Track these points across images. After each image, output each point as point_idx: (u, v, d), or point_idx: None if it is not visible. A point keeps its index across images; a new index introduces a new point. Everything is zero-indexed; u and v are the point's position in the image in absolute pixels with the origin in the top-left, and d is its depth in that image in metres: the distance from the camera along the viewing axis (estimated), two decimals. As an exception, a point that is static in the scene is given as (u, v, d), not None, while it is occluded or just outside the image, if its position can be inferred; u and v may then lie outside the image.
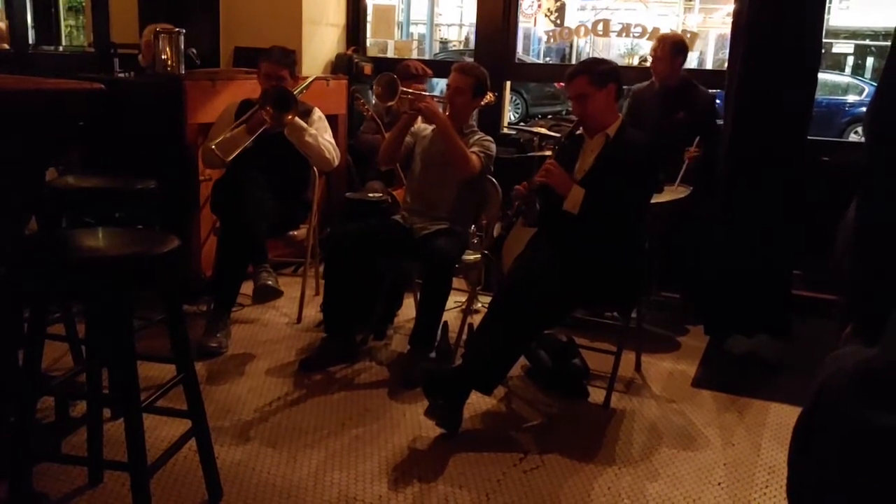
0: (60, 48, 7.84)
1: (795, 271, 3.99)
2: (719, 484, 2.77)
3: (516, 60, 5.85)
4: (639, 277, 3.37)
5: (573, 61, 12.72)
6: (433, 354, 3.59)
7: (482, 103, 3.89)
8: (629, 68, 6.36)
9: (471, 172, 3.57)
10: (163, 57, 4.25)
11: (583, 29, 5.82)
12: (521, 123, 9.17)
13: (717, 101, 4.58)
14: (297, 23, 5.32)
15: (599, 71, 3.26)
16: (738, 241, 3.84)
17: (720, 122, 4.25)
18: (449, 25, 20.53)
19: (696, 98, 4.47)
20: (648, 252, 3.45)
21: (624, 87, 3.48)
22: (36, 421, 2.45)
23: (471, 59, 5.10)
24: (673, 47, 4.42)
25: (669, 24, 15.89)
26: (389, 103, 3.81)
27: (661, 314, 4.37)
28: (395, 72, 4.75)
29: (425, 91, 4.76)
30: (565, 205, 3.18)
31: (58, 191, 3.24)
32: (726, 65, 4.29)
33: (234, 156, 3.76)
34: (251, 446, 2.85)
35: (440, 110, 3.66)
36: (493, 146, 3.73)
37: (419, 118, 3.76)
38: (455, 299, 4.12)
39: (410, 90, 3.89)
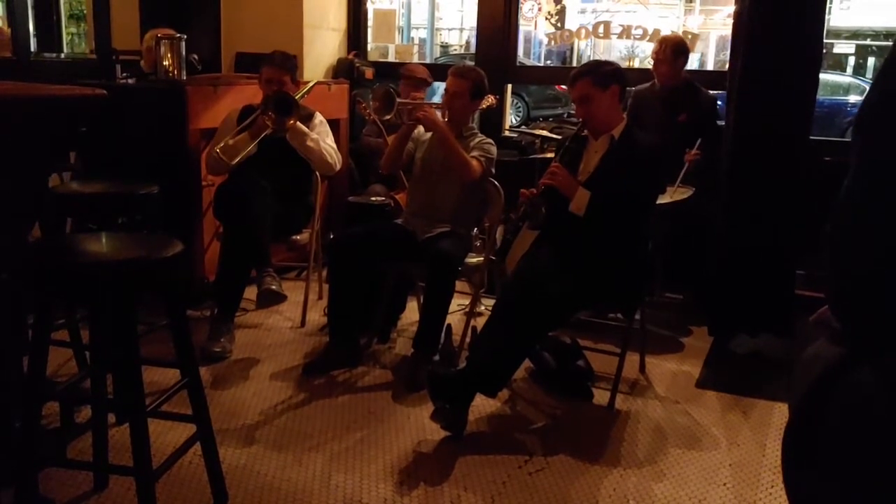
0: (62, 55, 7.85)
1: (798, 271, 3.98)
2: (725, 484, 2.77)
3: (517, 63, 5.85)
4: (642, 278, 3.37)
5: (574, 64, 12.72)
6: (437, 357, 3.59)
7: (483, 106, 3.89)
8: (629, 70, 6.37)
9: (472, 177, 3.58)
10: (164, 63, 4.26)
11: (583, 31, 5.81)
12: (523, 126, 9.16)
13: (719, 103, 4.58)
14: (297, 28, 5.33)
15: (603, 72, 3.25)
16: (740, 242, 3.84)
17: (721, 123, 4.25)
18: (450, 29, 20.57)
19: (697, 100, 4.48)
20: (651, 253, 3.45)
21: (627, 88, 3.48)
22: (41, 426, 2.46)
23: (472, 63, 5.10)
24: (674, 49, 4.43)
25: (670, 25, 15.89)
26: (387, 117, 3.81)
27: (664, 315, 4.37)
28: (402, 77, 4.79)
29: (424, 98, 4.78)
30: (571, 207, 3.17)
31: (61, 196, 3.24)
32: (727, 66, 4.29)
33: (237, 161, 3.77)
34: (256, 450, 2.86)
35: (439, 117, 3.66)
36: (494, 148, 3.73)
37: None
38: (458, 302, 4.12)
39: (408, 101, 3.89)
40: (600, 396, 3.39)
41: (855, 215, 1.16)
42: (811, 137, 3.88)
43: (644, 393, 3.50)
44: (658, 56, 4.48)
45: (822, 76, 4.03)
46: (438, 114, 3.71)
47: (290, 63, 4.06)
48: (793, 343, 3.93)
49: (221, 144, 3.80)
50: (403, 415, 3.19)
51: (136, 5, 5.56)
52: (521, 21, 5.62)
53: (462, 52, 16.93)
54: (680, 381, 3.64)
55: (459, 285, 3.86)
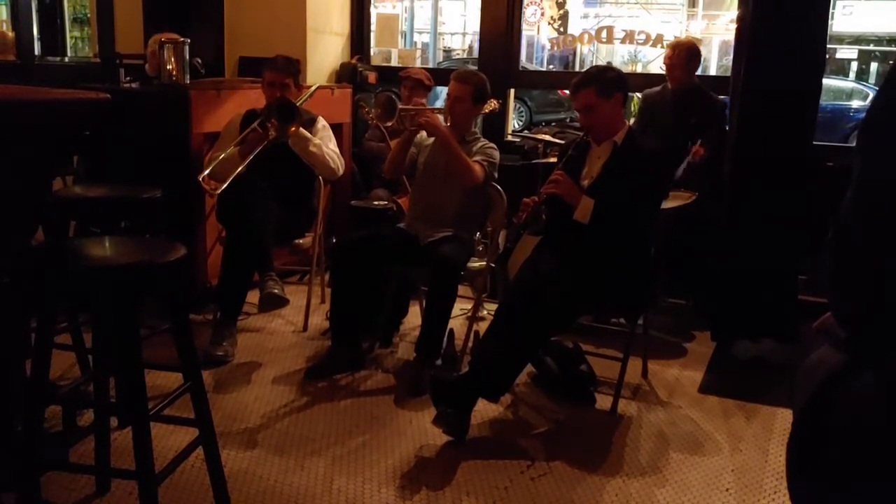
0: (66, 59, 7.88)
1: (801, 276, 3.98)
2: (727, 490, 2.76)
3: (520, 68, 5.86)
4: (645, 283, 3.37)
5: (577, 69, 12.73)
6: (439, 362, 3.59)
7: (486, 110, 3.89)
8: (632, 75, 6.37)
9: (474, 182, 3.58)
10: (168, 67, 4.27)
11: (586, 36, 5.83)
12: (526, 131, 9.17)
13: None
14: (301, 32, 5.34)
15: (606, 81, 3.24)
16: (743, 246, 3.84)
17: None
18: (452, 34, 20.56)
19: (707, 104, 4.49)
20: (654, 257, 3.45)
21: (632, 93, 3.48)
22: (43, 430, 2.46)
23: (474, 68, 5.11)
24: (688, 53, 4.47)
25: (673, 30, 15.89)
26: (388, 123, 3.82)
27: (667, 320, 4.36)
28: (402, 80, 4.79)
29: (426, 102, 4.78)
30: (575, 215, 3.18)
31: (64, 200, 3.24)
32: (730, 71, 4.30)
33: (226, 184, 3.74)
34: (258, 454, 2.86)
35: (441, 122, 3.66)
36: (497, 153, 3.73)
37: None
38: (461, 307, 4.12)
39: (410, 107, 3.89)
40: (603, 401, 3.39)
41: (859, 221, 1.16)
42: (814, 142, 3.88)
43: (646, 398, 3.49)
44: (672, 60, 4.50)
45: (825, 81, 4.03)
46: (441, 118, 3.71)
47: (293, 67, 4.06)
48: (795, 348, 3.93)
49: (212, 166, 3.79)
50: (405, 419, 3.18)
51: (140, 9, 5.58)
52: (523, 26, 5.63)
53: (465, 56, 16.94)
54: (682, 386, 3.64)
55: (462, 290, 3.85)
